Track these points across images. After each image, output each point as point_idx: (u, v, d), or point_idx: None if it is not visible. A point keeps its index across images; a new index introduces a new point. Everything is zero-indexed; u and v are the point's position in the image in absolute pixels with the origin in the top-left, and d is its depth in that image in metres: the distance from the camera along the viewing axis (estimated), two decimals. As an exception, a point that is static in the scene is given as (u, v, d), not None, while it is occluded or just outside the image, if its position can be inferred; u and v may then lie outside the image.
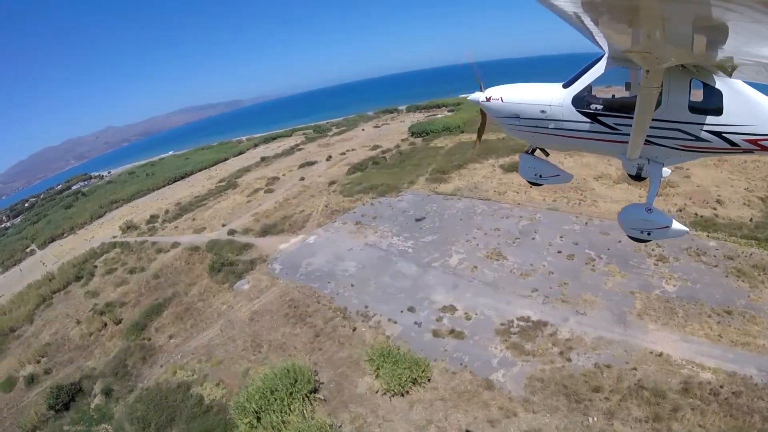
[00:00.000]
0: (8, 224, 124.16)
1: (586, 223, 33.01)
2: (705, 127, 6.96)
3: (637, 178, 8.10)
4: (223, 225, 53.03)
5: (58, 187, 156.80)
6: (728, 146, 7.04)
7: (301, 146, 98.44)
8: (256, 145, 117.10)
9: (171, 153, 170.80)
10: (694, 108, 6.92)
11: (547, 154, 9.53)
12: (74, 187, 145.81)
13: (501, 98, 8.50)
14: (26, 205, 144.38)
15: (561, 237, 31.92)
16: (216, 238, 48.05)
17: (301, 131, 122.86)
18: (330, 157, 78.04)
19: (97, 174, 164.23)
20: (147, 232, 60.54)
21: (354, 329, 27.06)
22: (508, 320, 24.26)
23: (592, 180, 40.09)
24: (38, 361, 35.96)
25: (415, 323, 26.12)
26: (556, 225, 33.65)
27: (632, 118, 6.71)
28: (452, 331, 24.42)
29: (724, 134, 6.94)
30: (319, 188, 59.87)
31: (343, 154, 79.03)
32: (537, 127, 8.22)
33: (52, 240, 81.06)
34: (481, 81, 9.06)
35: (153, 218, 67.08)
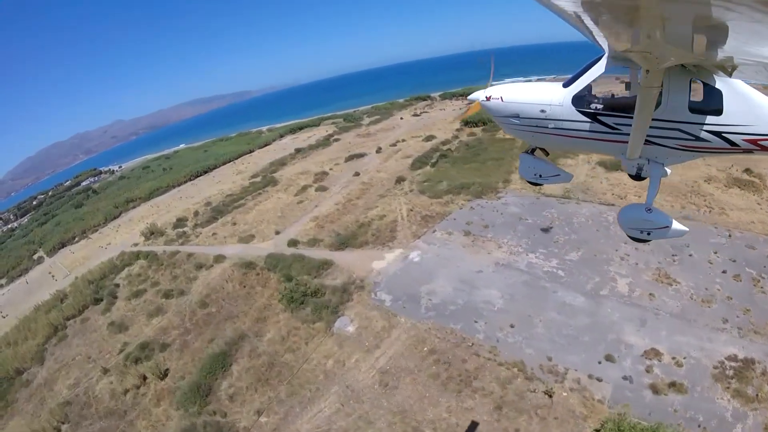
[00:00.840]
0: (15, 224, 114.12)
1: (729, 236, 29.00)
2: (705, 127, 6.81)
3: (637, 178, 7.75)
4: (277, 232, 42.44)
5: (67, 183, 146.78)
6: (728, 146, 6.90)
7: (336, 136, 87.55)
8: (281, 136, 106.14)
9: (184, 145, 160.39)
10: (694, 108, 6.76)
11: (548, 154, 9.17)
12: (84, 183, 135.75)
13: (501, 97, 8.19)
14: (34, 203, 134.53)
15: (715, 253, 27.34)
16: (274, 250, 37.46)
17: (329, 120, 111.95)
18: (380, 148, 67.50)
19: (107, 169, 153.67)
20: (177, 240, 49.94)
21: (550, 395, 19.21)
22: (719, 361, 20.27)
23: (704, 183, 35.52)
24: (58, 430, 25.82)
25: (624, 378, 20.18)
26: (701, 238, 29.07)
27: (632, 117, 6.59)
28: (672, 385, 19.40)
29: (724, 134, 6.80)
30: (385, 186, 49.33)
31: (394, 145, 68.52)
32: (537, 126, 7.96)
33: (62, 245, 70.70)
34: (491, 80, 8.72)
35: (181, 221, 56.52)
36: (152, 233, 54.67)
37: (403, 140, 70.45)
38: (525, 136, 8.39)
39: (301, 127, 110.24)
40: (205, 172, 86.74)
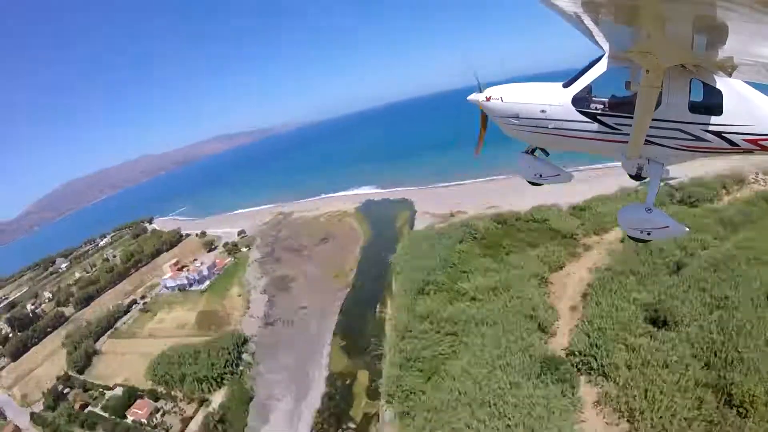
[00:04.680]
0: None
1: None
2: (705, 127, 6.44)
3: (637, 177, 7.33)
4: None
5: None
6: (728, 146, 6.54)
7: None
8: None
9: (272, 205, 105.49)
10: (695, 108, 6.40)
11: (547, 154, 8.73)
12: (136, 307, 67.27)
13: (501, 98, 7.71)
14: (8, 315, 74.98)
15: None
16: None
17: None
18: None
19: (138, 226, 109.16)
20: None
21: None
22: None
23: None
24: None
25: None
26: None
27: (632, 117, 6.35)
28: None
29: (724, 134, 6.43)
30: None
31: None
32: (537, 127, 7.51)
33: None
34: (479, 81, 8.08)
35: None
36: None
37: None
38: (525, 136, 7.87)
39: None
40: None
